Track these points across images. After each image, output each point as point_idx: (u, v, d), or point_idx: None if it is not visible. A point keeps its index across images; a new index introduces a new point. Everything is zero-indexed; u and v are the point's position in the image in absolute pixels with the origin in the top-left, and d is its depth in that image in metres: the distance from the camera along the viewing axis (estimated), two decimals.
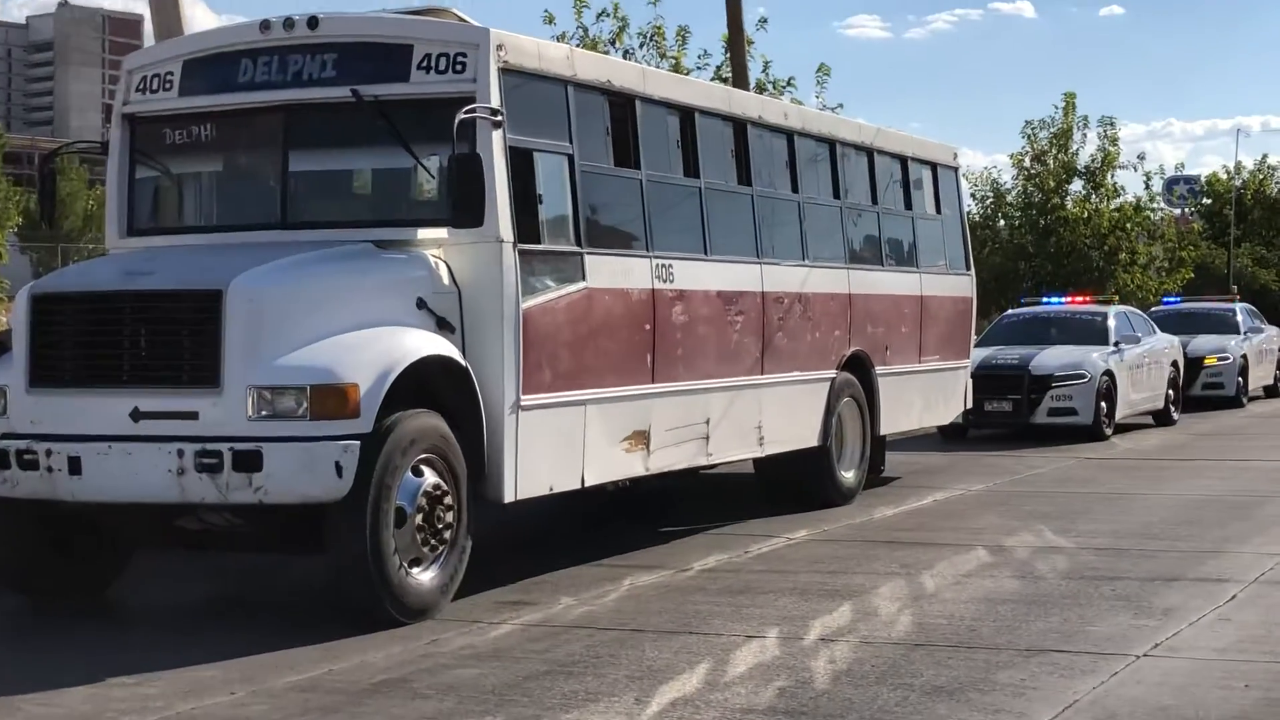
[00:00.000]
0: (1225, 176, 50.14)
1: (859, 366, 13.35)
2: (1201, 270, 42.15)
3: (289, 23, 9.15)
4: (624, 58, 22.84)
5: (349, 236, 8.88)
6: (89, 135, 43.34)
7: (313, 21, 9.10)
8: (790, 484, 12.90)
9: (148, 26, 12.69)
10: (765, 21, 34.85)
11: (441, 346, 8.53)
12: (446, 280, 8.82)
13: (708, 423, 11.03)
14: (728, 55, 22.34)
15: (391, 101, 8.92)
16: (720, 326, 11.22)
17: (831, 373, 12.88)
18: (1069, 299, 23.34)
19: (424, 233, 8.90)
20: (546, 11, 23.21)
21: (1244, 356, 25.38)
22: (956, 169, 16.00)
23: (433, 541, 8.38)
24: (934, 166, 15.30)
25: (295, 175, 9.28)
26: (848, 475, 13.28)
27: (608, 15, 23.64)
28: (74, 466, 7.94)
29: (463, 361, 8.65)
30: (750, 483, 13.54)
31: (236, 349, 7.87)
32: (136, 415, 7.93)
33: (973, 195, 35.54)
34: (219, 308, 7.91)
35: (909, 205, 14.74)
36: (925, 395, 14.77)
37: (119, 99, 9.68)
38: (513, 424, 8.88)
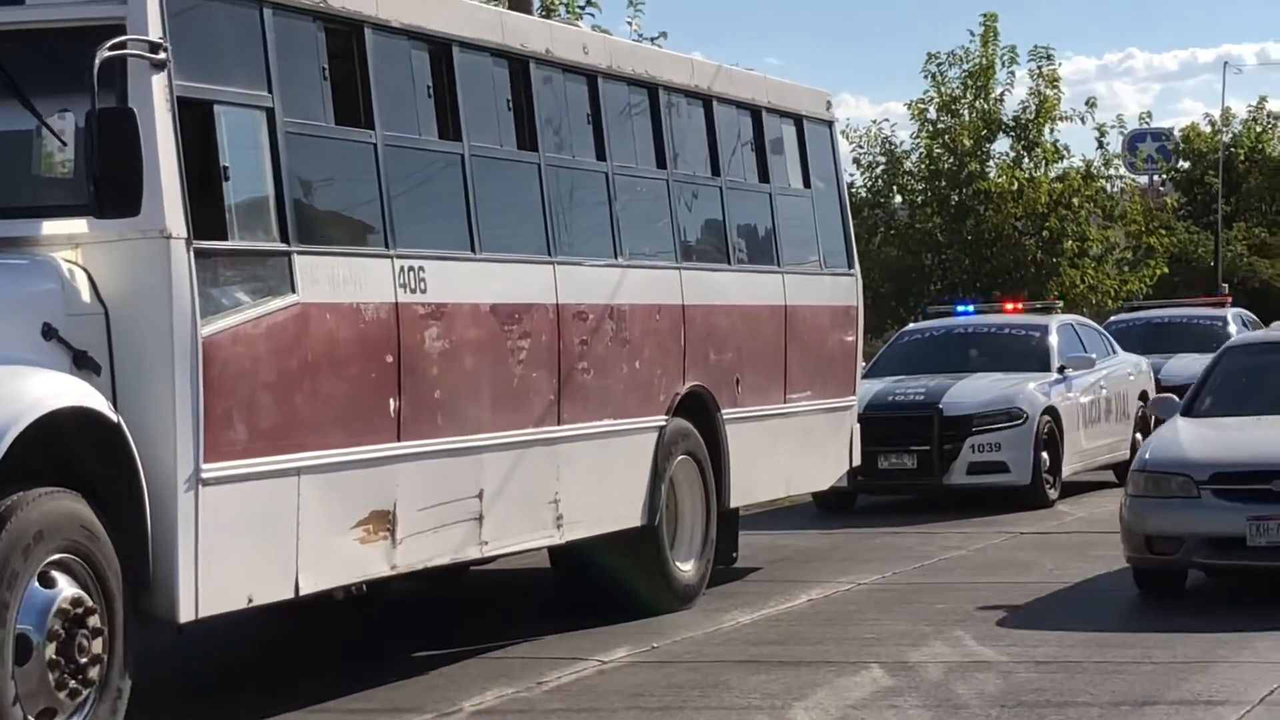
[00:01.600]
0: (1209, 130, 51.58)
1: (699, 410, 13.44)
2: (1179, 262, 43.36)
3: None
4: None
5: None
6: None
7: None
8: (603, 582, 12.93)
9: None
10: None
11: (81, 394, 8.44)
12: (87, 296, 8.73)
13: (480, 497, 11.04)
14: None
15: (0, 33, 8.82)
16: (496, 357, 11.24)
17: (659, 419, 12.95)
18: (995, 307, 23.73)
19: (51, 226, 8.82)
20: None
21: None
22: (832, 124, 16.21)
23: (73, 683, 8.27)
24: (800, 120, 15.49)
25: None
26: (685, 568, 13.34)
27: None
28: None
29: (113, 416, 8.56)
30: (546, 581, 13.53)
31: None
32: None
33: (856, 161, 36.09)
34: None
35: (765, 177, 14.90)
36: (795, 449, 14.89)
37: None
38: (190, 505, 8.81)
